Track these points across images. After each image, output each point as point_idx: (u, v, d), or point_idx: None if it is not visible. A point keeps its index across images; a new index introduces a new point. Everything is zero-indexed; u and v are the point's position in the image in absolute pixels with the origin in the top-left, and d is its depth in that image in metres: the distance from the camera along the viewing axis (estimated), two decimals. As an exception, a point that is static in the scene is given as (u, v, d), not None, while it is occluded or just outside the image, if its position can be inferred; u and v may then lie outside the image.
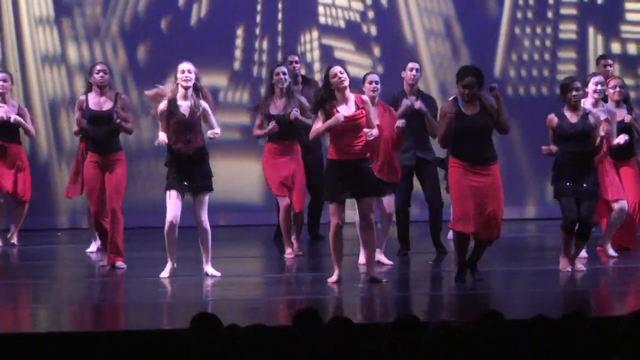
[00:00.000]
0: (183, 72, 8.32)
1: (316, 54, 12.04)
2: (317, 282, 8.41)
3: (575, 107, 8.30)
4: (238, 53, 12.03)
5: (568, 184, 8.23)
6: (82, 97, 9.05)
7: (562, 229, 8.31)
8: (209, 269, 8.42)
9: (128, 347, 6.10)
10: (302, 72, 10.65)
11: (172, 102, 8.33)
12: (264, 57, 12.04)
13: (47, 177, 11.45)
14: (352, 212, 8.72)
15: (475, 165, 7.81)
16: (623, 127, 8.99)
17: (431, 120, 9.10)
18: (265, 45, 12.04)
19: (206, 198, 8.36)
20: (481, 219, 7.77)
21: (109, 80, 8.97)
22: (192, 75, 8.33)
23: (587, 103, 8.72)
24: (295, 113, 9.25)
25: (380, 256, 8.82)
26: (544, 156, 8.43)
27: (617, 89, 9.18)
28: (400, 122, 8.77)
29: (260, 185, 11.97)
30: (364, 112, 7.91)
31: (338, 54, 12.05)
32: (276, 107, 9.37)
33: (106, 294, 8.30)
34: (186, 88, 8.30)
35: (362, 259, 8.80)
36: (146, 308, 7.56)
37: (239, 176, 11.74)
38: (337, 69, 7.92)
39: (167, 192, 8.33)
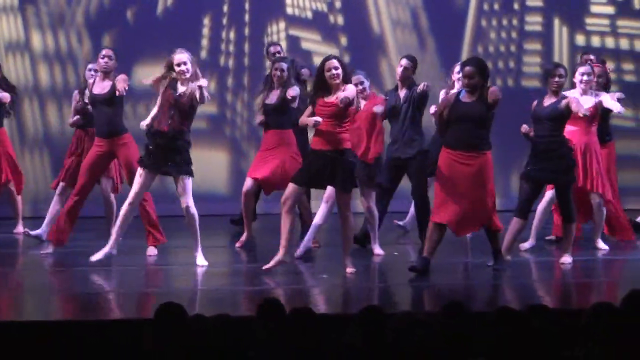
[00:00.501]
0: (179, 65, 8.29)
1: (283, 44, 12.01)
2: (282, 273, 8.41)
3: (555, 93, 8.36)
4: (205, 42, 11.99)
5: (534, 168, 8.29)
6: (91, 81, 9.18)
7: (514, 213, 8.35)
8: (199, 258, 8.39)
9: (91, 336, 6.08)
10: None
11: (172, 81, 8.31)
12: (231, 47, 12.01)
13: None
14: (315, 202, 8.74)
15: (463, 152, 7.81)
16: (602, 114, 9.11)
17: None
18: (232, 35, 12.01)
19: (188, 182, 8.31)
20: (460, 211, 7.78)
21: (114, 66, 9.03)
22: (189, 66, 8.29)
23: (575, 93, 8.80)
24: (290, 92, 9.18)
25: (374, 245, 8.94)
26: (524, 137, 8.43)
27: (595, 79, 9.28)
28: (377, 108, 8.88)
29: (227, 175, 11.94)
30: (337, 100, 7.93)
31: (305, 45, 12.05)
32: (271, 97, 9.35)
33: (68, 282, 8.25)
34: (184, 80, 8.28)
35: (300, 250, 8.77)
36: (110, 297, 7.54)
37: (205, 166, 11.69)
38: (333, 63, 7.94)
39: (139, 168, 8.30)
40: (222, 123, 12.01)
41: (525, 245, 9.08)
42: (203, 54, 11.99)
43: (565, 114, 8.33)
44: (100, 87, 9.02)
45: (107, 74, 9.02)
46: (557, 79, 8.34)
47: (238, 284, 8.09)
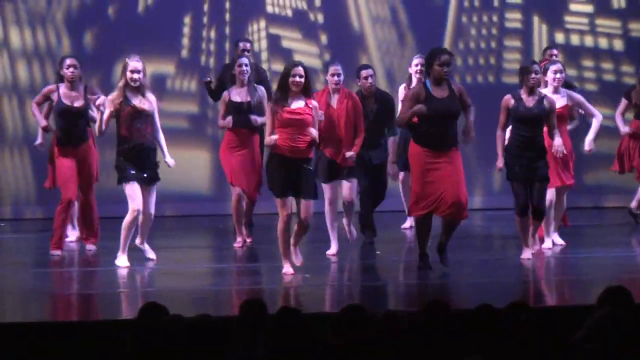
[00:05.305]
0: (132, 72, 8.33)
1: (264, 43, 12.02)
2: (264, 272, 8.42)
3: (532, 90, 8.43)
4: (185, 41, 11.97)
5: (520, 166, 8.33)
6: (52, 87, 9.08)
7: (515, 213, 8.41)
8: (149, 252, 8.54)
9: (74, 337, 6.08)
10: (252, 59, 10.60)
11: (124, 97, 8.34)
12: (212, 46, 12.00)
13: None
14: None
15: (436, 151, 7.80)
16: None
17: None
18: (212, 34, 12.01)
19: (154, 188, 8.47)
20: (442, 200, 7.76)
21: (79, 74, 9.03)
22: (141, 75, 8.36)
23: (547, 91, 8.89)
24: (257, 120, 9.26)
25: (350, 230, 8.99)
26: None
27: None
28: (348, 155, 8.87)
29: (209, 174, 11.92)
30: (310, 110, 7.94)
31: (285, 43, 12.05)
32: (239, 95, 9.33)
33: (52, 284, 8.23)
34: (135, 87, 8.33)
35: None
36: (93, 298, 7.53)
37: (186, 165, 11.66)
38: (298, 70, 7.93)
39: (129, 184, 8.30)
40: (204, 122, 11.99)
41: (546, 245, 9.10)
42: (184, 52, 11.98)
43: (547, 114, 8.44)
44: (69, 97, 8.99)
45: (73, 83, 8.99)
46: (533, 75, 8.43)
47: (220, 284, 8.09)
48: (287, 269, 7.99)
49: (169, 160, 8.58)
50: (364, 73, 9.39)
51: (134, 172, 8.30)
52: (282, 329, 4.70)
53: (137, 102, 8.34)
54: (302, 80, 7.91)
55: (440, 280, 7.79)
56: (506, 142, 8.60)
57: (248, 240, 9.48)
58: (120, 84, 8.36)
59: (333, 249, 8.89)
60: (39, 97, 9.22)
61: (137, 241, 8.55)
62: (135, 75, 8.31)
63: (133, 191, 8.30)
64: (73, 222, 9.67)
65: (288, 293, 7.61)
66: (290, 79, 7.91)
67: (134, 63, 8.36)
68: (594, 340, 4.50)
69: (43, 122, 9.17)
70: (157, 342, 4.73)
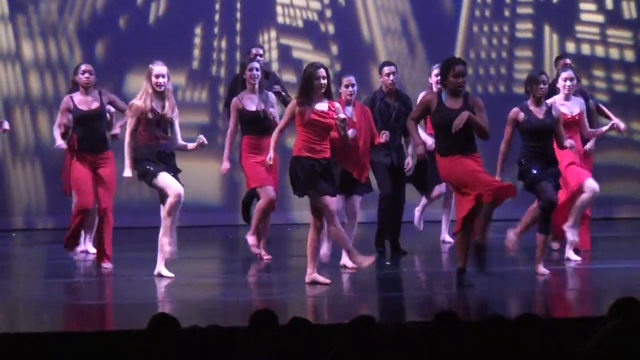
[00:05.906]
0: (157, 76, 8.34)
1: (274, 53, 12.05)
2: (275, 283, 8.42)
3: (539, 101, 8.39)
4: (196, 52, 12.02)
5: (537, 169, 8.27)
6: (67, 98, 9.08)
7: (540, 208, 8.21)
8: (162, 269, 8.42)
9: (84, 348, 6.09)
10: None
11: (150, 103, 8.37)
12: (223, 57, 12.04)
13: (0, 176, 11.37)
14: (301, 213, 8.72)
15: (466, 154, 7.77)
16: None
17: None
18: (223, 44, 12.04)
19: None
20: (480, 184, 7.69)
21: (94, 80, 9.07)
22: (166, 79, 8.38)
23: (559, 98, 8.88)
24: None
25: (345, 259, 8.85)
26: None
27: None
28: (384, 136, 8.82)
29: (219, 185, 11.94)
30: (334, 114, 7.95)
31: (296, 54, 12.08)
32: (253, 102, 9.25)
33: (62, 294, 8.25)
34: (160, 92, 8.34)
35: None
36: (103, 309, 7.54)
37: (197, 176, 11.68)
38: (322, 72, 7.93)
39: (159, 175, 8.28)
40: (214, 132, 12.01)
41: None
42: (195, 63, 12.02)
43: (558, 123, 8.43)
44: (85, 103, 9.00)
45: (87, 89, 9.01)
46: (542, 85, 8.38)
47: (230, 294, 8.09)
48: (323, 279, 7.89)
49: (191, 145, 8.51)
50: (387, 70, 9.38)
51: (154, 167, 8.25)
52: (291, 339, 4.70)
53: (160, 108, 8.35)
54: (326, 81, 7.92)
55: (450, 291, 7.77)
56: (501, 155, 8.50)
57: (266, 257, 9.22)
58: (149, 90, 8.32)
59: (343, 259, 8.87)
60: (60, 119, 9.11)
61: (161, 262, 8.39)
62: (161, 80, 8.31)
63: (166, 179, 8.25)
64: (91, 234, 9.63)
65: (298, 304, 7.61)
66: (315, 82, 7.90)
67: (159, 67, 8.36)
68: (605, 352, 4.50)
69: (59, 142, 9.12)
70: (170, 353, 4.73)
